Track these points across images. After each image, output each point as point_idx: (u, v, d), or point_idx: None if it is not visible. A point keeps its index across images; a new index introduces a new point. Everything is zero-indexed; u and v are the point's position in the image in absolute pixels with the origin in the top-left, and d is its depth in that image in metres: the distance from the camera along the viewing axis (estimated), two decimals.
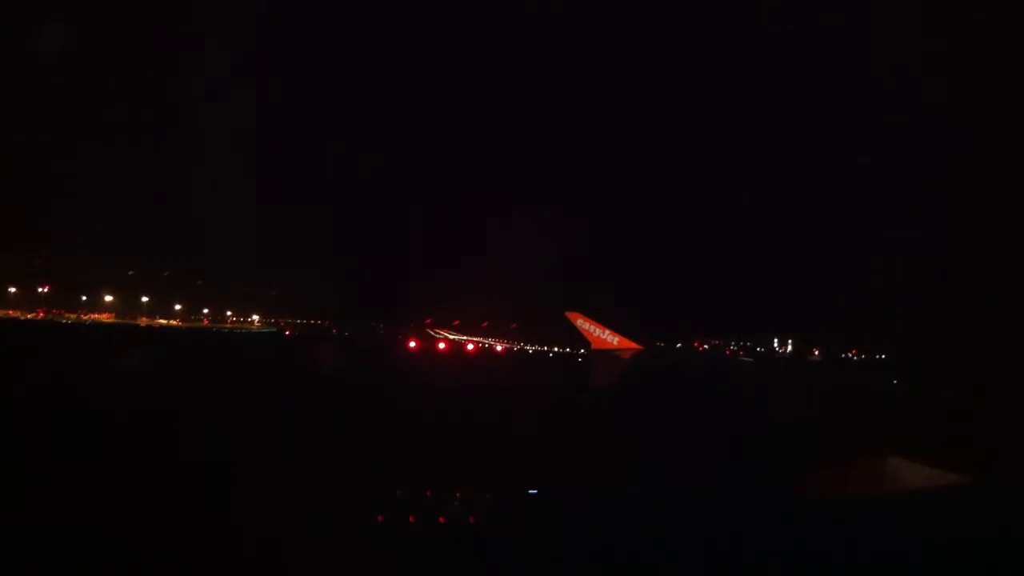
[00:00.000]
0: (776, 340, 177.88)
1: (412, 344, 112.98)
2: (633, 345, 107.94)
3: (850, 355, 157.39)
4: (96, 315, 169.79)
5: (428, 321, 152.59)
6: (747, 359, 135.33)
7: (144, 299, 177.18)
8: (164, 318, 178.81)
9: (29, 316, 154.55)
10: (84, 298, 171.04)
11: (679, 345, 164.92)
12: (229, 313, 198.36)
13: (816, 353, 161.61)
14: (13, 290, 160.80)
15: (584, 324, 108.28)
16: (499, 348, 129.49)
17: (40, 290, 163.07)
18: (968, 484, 17.52)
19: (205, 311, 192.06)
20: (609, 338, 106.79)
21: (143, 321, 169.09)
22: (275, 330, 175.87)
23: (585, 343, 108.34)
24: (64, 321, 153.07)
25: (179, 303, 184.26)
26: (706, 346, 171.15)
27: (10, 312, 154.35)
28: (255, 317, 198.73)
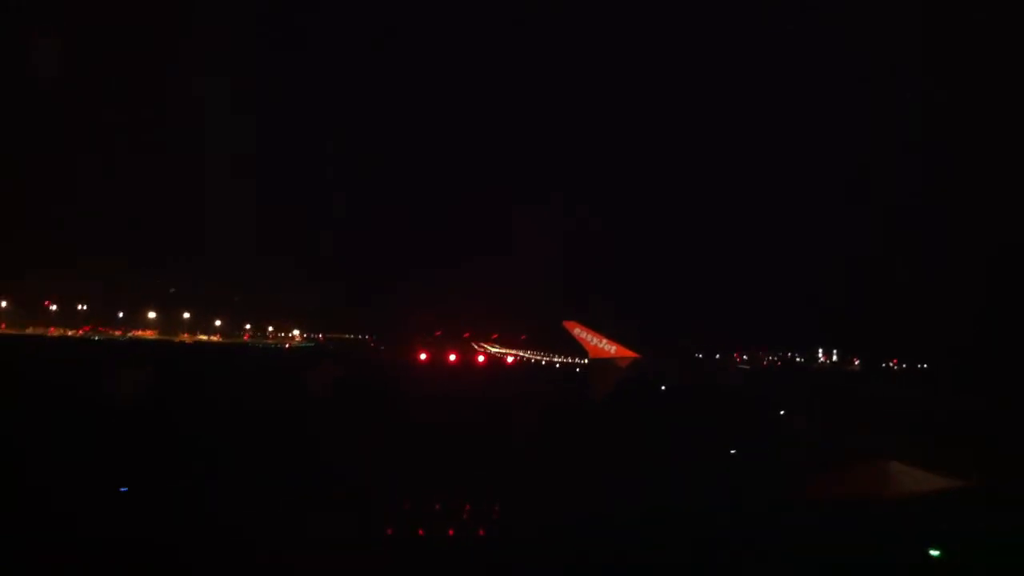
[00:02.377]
0: (821, 350, 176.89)
1: (453, 357, 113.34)
2: (631, 354, 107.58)
3: (891, 365, 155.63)
4: (140, 331, 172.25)
5: (467, 335, 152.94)
6: (744, 367, 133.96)
7: (185, 315, 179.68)
8: (205, 334, 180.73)
9: (77, 333, 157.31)
10: (121, 314, 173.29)
11: (717, 356, 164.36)
12: (271, 329, 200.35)
13: (856, 363, 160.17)
14: (54, 307, 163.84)
15: (581, 333, 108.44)
16: (539, 360, 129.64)
17: (80, 307, 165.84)
18: (966, 487, 17.57)
19: (247, 327, 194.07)
20: (607, 347, 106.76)
21: (185, 337, 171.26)
22: (314, 344, 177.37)
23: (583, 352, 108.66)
24: (119, 338, 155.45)
25: (219, 319, 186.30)
26: (745, 356, 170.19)
27: (52, 330, 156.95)
28: (296, 332, 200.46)
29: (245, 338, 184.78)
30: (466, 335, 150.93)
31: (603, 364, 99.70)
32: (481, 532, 15.18)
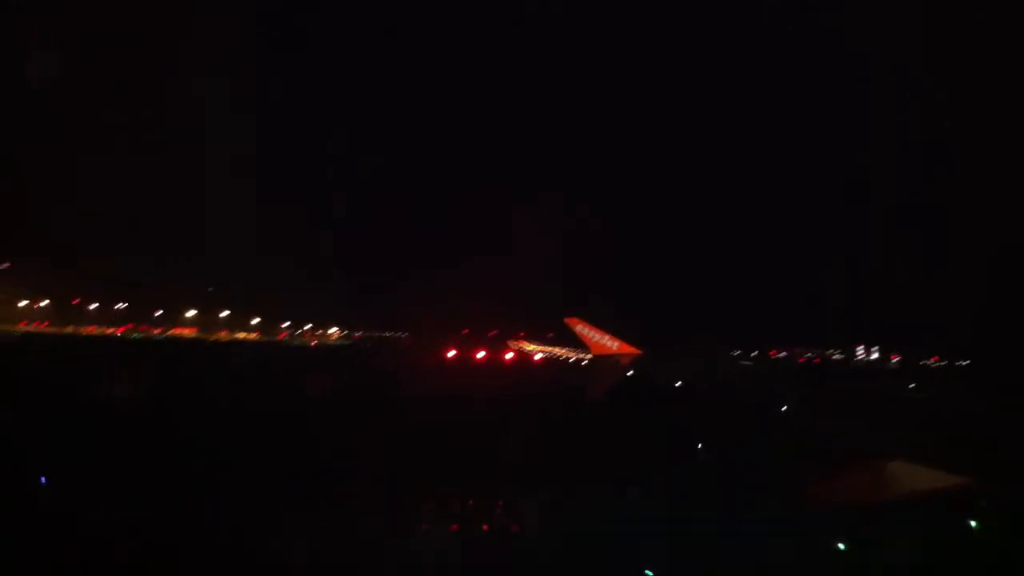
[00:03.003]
0: (861, 347, 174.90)
1: (481, 355, 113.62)
2: (632, 350, 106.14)
3: (930, 362, 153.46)
4: (179, 329, 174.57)
5: (493, 333, 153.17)
6: (747, 363, 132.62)
7: (224, 313, 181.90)
8: (243, 331, 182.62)
9: (116, 331, 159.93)
10: (160, 312, 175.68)
11: (754, 352, 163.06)
12: (308, 326, 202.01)
13: (895, 360, 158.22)
14: (95, 306, 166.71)
15: (584, 330, 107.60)
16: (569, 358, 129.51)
17: (118, 306, 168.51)
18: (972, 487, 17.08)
19: (285, 324, 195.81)
20: (609, 343, 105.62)
21: (223, 335, 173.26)
22: (350, 343, 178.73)
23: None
24: (156, 336, 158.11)
25: (257, 316, 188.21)
26: (783, 353, 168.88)
27: (93, 328, 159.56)
28: (334, 330, 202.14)
29: (282, 336, 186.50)
30: (492, 333, 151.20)
31: (604, 361, 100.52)
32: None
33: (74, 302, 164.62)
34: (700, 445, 25.17)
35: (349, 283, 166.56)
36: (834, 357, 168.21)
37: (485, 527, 15.71)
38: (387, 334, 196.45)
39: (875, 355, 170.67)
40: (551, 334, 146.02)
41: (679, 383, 56.85)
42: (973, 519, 15.37)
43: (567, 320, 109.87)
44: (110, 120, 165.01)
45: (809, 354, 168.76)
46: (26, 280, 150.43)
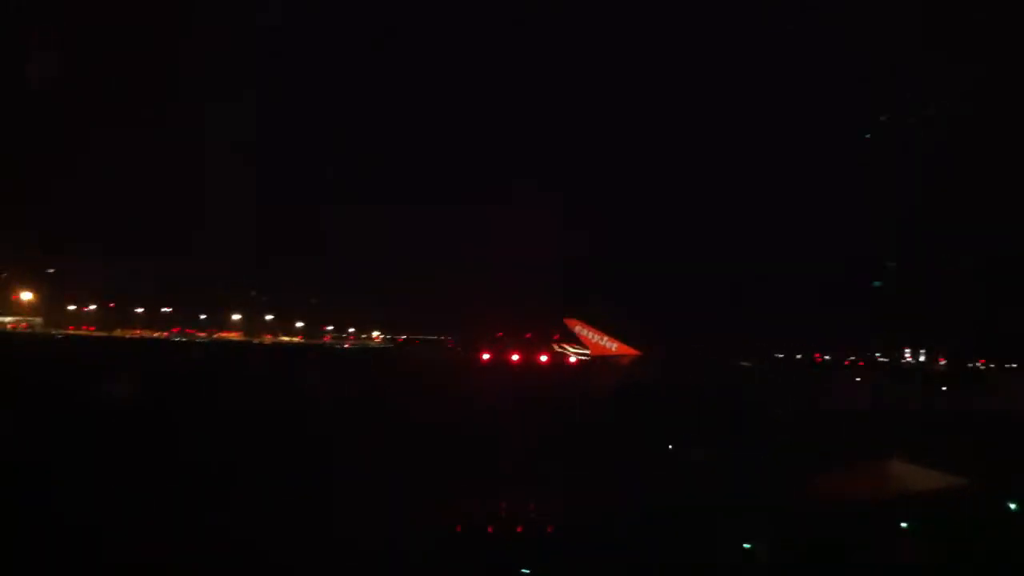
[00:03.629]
0: (908, 350, 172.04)
1: (544, 359, 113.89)
2: (631, 351, 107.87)
3: (978, 365, 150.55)
4: (224, 333, 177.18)
5: (556, 336, 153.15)
6: (746, 364, 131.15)
7: (268, 317, 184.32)
8: (287, 335, 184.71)
9: (162, 335, 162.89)
10: (203, 316, 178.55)
11: (798, 356, 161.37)
12: (351, 330, 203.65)
13: (942, 362, 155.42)
14: (140, 310, 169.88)
15: (583, 331, 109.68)
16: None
17: (164, 310, 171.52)
18: (971, 487, 17.58)
19: (329, 328, 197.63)
20: (608, 344, 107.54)
21: (267, 338, 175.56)
22: (393, 345, 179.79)
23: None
24: (202, 339, 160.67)
25: (300, 320, 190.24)
26: (827, 357, 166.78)
27: (138, 331, 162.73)
28: (376, 333, 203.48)
29: (326, 339, 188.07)
30: (528, 335, 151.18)
31: (604, 361, 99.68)
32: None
33: (110, 305, 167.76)
34: (670, 446, 25.08)
35: (389, 286, 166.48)
36: (879, 359, 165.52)
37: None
38: (432, 337, 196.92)
39: (922, 358, 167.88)
40: (556, 335, 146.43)
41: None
42: (970, 518, 15.39)
43: (566, 321, 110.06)
44: (146, 124, 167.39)
45: (852, 357, 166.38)
46: (74, 284, 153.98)
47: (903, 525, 14.79)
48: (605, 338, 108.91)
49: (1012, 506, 15.43)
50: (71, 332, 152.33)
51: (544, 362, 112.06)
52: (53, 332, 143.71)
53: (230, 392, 40.56)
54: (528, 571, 12.17)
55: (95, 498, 14.88)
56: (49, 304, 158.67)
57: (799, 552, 13.32)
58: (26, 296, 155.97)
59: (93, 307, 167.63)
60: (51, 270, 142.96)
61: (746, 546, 13.20)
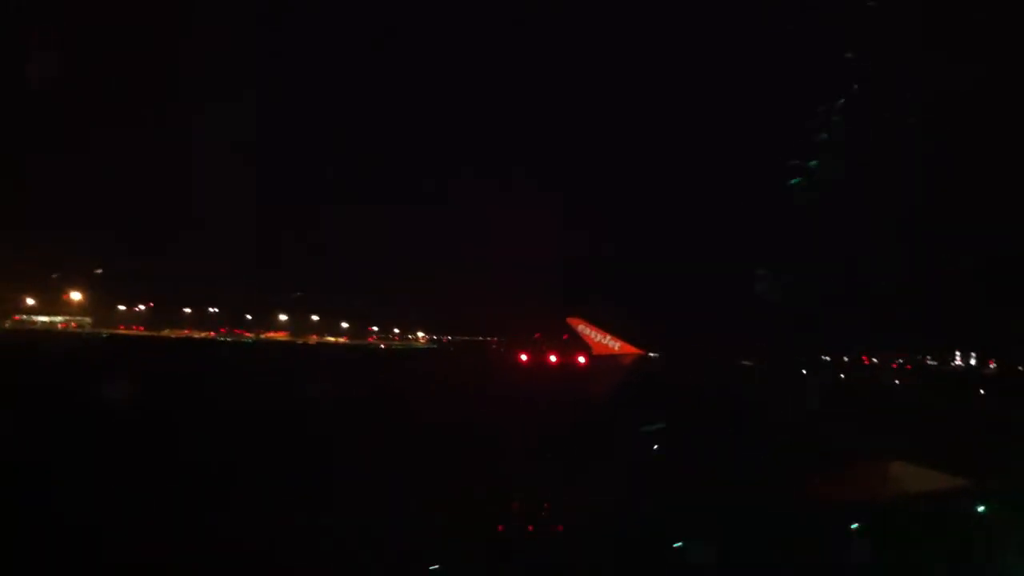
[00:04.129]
0: (958, 353, 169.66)
1: (583, 359, 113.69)
2: (634, 350, 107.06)
3: None
4: (271, 333, 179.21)
5: (566, 336, 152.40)
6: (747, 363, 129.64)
7: (314, 317, 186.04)
8: (332, 335, 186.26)
9: (209, 335, 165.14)
10: (249, 316, 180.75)
11: (846, 358, 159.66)
12: (396, 330, 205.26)
13: (992, 366, 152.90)
14: (188, 310, 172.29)
15: (585, 329, 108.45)
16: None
17: (211, 310, 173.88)
18: (971, 488, 17.16)
19: (373, 328, 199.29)
20: (610, 343, 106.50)
21: (313, 338, 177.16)
22: (437, 346, 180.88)
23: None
24: (248, 339, 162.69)
25: (345, 321, 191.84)
26: (874, 359, 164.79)
27: (187, 331, 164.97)
28: (420, 334, 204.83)
29: (370, 340, 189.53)
30: (565, 336, 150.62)
31: (606, 360, 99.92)
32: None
33: (148, 305, 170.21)
34: (656, 446, 24.74)
35: (428, 287, 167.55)
36: (928, 362, 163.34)
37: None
38: (478, 338, 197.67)
39: (972, 361, 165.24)
40: (565, 336, 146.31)
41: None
42: (973, 520, 15.10)
43: (569, 320, 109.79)
44: (187, 127, 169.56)
45: (901, 360, 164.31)
46: (124, 284, 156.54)
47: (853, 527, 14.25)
48: (607, 337, 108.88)
49: (980, 509, 14.95)
50: (120, 331, 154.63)
51: (583, 363, 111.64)
52: (100, 332, 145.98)
53: (273, 391, 40.74)
54: None
55: (147, 499, 15.07)
56: (98, 304, 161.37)
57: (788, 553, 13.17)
58: (75, 296, 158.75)
59: (142, 307, 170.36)
60: (99, 271, 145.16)
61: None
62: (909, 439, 26.37)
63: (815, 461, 22.37)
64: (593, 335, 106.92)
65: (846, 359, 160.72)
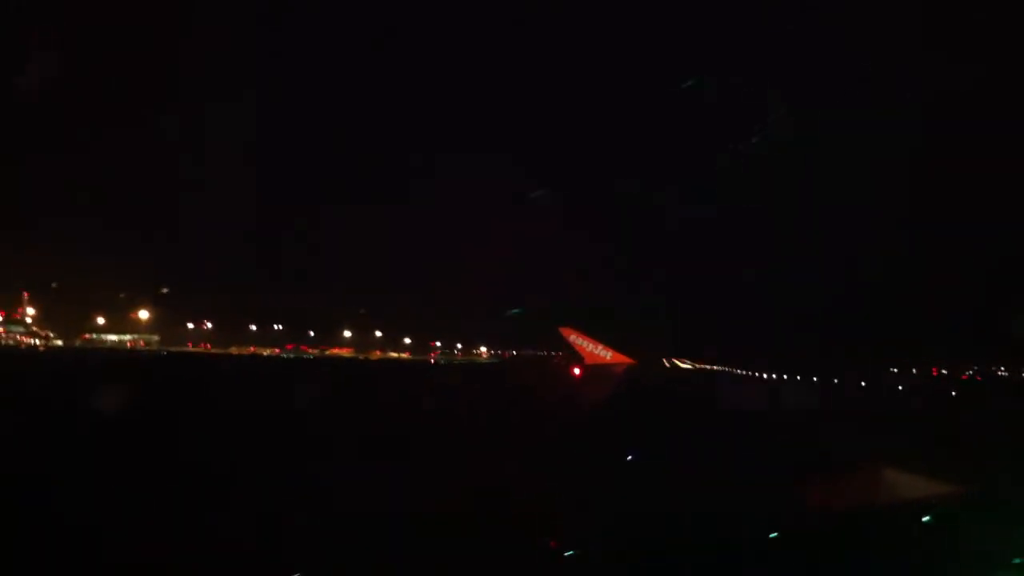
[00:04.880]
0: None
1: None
2: (626, 360, 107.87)
3: None
4: (336, 349, 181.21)
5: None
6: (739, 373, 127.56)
7: (377, 334, 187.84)
8: (395, 351, 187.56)
9: (274, 351, 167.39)
10: (313, 334, 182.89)
11: (914, 370, 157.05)
12: (459, 346, 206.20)
13: None
14: (254, 327, 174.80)
15: (577, 339, 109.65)
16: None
17: (276, 327, 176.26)
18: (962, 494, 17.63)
19: (436, 344, 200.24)
20: (602, 353, 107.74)
21: (377, 354, 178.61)
22: (498, 360, 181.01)
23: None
24: (310, 355, 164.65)
25: (409, 337, 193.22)
26: (944, 371, 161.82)
27: (252, 348, 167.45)
28: (483, 349, 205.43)
29: (431, 356, 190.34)
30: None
31: (598, 370, 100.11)
32: None
33: (201, 324, 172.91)
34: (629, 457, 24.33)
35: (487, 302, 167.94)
36: (999, 373, 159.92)
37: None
38: (541, 353, 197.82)
39: None
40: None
41: None
42: (963, 525, 15.22)
43: (561, 330, 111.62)
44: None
45: (971, 371, 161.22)
46: (192, 303, 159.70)
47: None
48: (599, 347, 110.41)
49: (925, 519, 14.83)
50: (188, 349, 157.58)
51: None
52: (164, 349, 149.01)
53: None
54: None
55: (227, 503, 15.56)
56: (166, 322, 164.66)
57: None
58: (143, 315, 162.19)
59: (209, 325, 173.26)
60: (165, 290, 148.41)
61: None
62: None
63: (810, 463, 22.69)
64: (585, 345, 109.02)
65: (915, 371, 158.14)
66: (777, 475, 20.59)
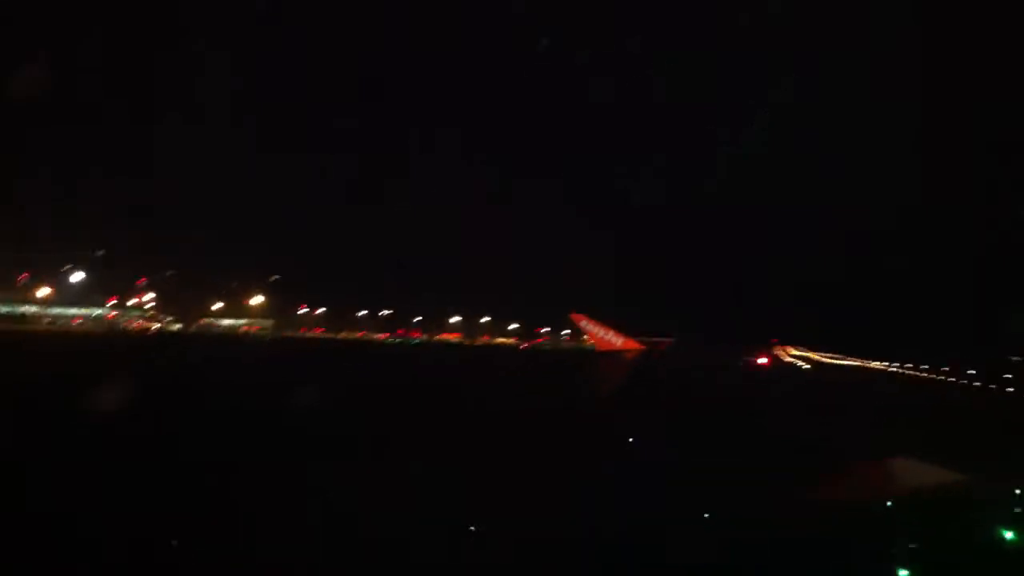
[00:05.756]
0: None
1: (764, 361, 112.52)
2: (637, 345, 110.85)
3: None
4: (445, 335, 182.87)
5: (774, 340, 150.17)
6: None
7: (484, 320, 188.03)
8: (501, 337, 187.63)
9: (381, 337, 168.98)
10: (419, 319, 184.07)
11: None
12: (567, 332, 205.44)
13: None
14: (363, 313, 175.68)
15: (588, 325, 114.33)
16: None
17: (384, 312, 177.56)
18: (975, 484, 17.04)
19: (544, 330, 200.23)
20: (613, 339, 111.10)
21: (485, 339, 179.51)
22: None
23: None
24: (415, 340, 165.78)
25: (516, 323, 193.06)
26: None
27: (361, 333, 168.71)
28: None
29: (539, 340, 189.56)
30: (773, 340, 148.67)
31: (608, 356, 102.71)
32: None
33: (300, 307, 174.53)
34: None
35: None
36: None
37: None
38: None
39: None
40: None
41: None
42: (975, 515, 15.17)
43: (572, 316, 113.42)
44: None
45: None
46: (303, 290, 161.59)
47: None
48: (610, 333, 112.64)
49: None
50: (302, 334, 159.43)
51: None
52: (268, 334, 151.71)
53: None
54: None
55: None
56: (280, 308, 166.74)
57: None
58: (256, 301, 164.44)
59: (322, 310, 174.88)
60: (276, 277, 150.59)
61: None
62: None
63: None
64: (595, 331, 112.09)
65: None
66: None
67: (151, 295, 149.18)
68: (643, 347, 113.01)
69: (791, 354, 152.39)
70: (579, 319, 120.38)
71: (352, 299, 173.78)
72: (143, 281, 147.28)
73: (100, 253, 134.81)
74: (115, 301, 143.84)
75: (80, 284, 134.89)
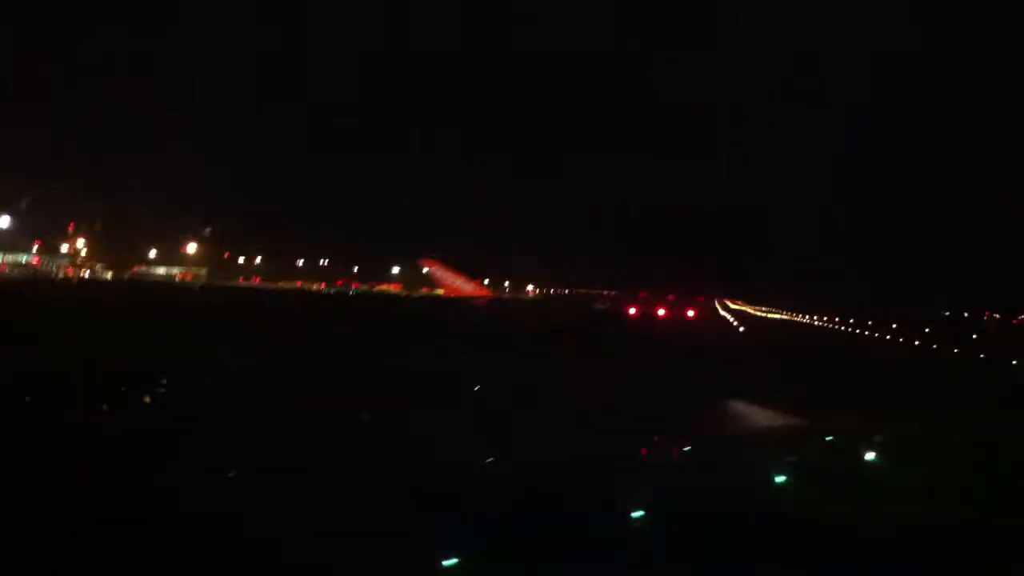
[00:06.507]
0: None
1: (692, 314, 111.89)
2: (487, 292, 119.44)
3: None
4: (384, 285, 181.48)
5: (700, 297, 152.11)
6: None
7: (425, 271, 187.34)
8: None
9: (322, 287, 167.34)
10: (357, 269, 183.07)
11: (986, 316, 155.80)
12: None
13: None
14: (301, 262, 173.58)
15: (438, 272, 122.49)
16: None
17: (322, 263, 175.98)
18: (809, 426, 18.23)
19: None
20: (463, 285, 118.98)
21: (424, 291, 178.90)
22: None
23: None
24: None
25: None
26: (996, 315, 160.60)
27: (299, 283, 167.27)
28: (529, 288, 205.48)
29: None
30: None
31: (458, 302, 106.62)
32: None
33: (238, 256, 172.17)
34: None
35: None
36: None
37: None
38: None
39: None
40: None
41: None
42: (806, 455, 15.21)
43: (422, 262, 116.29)
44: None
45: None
46: (242, 240, 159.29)
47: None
48: (460, 279, 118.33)
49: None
50: (239, 284, 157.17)
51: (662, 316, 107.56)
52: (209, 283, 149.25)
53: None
54: None
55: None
56: (215, 257, 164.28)
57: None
58: (191, 248, 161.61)
59: (258, 260, 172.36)
60: (214, 226, 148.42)
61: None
62: None
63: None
64: (446, 277, 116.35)
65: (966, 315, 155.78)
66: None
67: (82, 241, 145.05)
68: (495, 295, 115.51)
69: (731, 308, 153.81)
70: (430, 264, 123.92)
71: (291, 249, 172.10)
72: (73, 227, 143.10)
73: (30, 198, 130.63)
74: (40, 245, 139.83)
75: (6, 229, 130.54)
